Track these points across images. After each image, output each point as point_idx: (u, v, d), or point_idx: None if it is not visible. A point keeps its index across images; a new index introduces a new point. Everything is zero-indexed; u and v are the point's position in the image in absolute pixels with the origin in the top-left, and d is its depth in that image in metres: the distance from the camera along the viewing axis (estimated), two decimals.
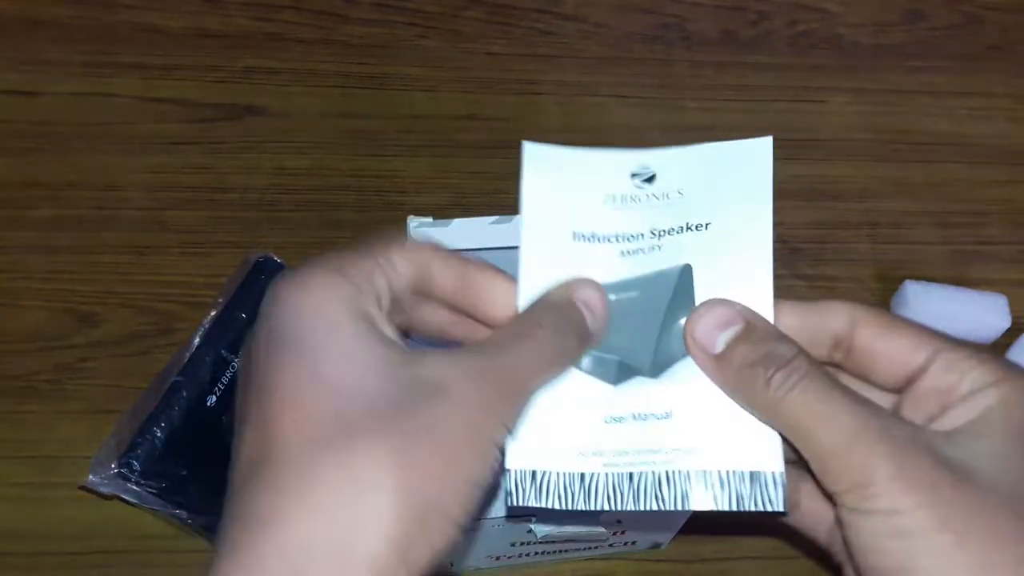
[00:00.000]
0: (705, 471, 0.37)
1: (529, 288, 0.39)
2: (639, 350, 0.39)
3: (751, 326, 0.38)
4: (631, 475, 0.38)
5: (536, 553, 0.65)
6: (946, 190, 0.87)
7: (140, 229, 0.79)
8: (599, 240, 0.40)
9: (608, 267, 0.40)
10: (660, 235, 0.40)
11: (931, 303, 0.77)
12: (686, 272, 0.39)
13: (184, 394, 0.66)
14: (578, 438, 0.39)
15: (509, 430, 0.35)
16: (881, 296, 0.81)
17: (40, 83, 0.86)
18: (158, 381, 0.69)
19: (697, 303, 0.39)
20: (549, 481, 0.38)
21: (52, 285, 0.76)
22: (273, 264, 0.73)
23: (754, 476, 0.37)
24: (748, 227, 0.39)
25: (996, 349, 0.77)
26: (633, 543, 0.66)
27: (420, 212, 0.54)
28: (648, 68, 0.92)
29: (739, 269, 0.39)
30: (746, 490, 0.37)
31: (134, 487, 0.64)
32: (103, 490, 0.65)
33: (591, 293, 0.39)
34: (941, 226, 0.85)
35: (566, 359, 0.39)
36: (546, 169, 0.40)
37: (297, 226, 0.80)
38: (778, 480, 0.37)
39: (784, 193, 0.85)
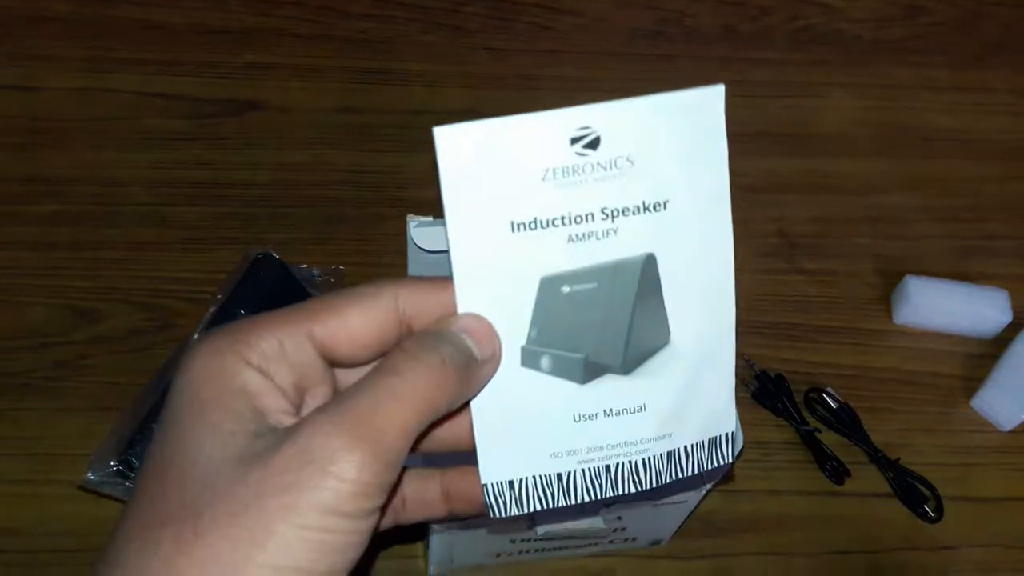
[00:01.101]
0: (675, 450, 0.39)
1: (469, 295, 0.36)
2: (607, 348, 0.38)
3: None
4: (608, 467, 0.39)
5: (537, 550, 0.64)
6: (947, 185, 0.87)
7: (140, 225, 0.79)
8: (543, 226, 0.35)
9: (556, 256, 0.36)
10: (614, 216, 0.36)
11: (932, 298, 0.77)
12: (650, 262, 0.37)
13: None
14: (549, 440, 0.38)
15: (378, 478, 0.32)
16: (882, 291, 0.80)
17: (41, 78, 0.86)
18: (158, 378, 0.69)
19: (664, 293, 0.37)
20: (527, 487, 0.38)
21: (52, 281, 0.76)
22: (273, 260, 0.72)
23: (712, 441, 0.40)
24: (707, 203, 0.36)
25: (998, 344, 0.77)
26: (634, 540, 0.66)
27: (420, 208, 0.53)
28: (648, 63, 0.92)
29: (701, 256, 0.37)
30: (704, 454, 0.40)
31: (133, 484, 0.64)
32: (102, 488, 0.65)
33: (469, 320, 0.36)
34: (942, 220, 0.85)
35: (450, 390, 0.35)
36: (468, 152, 0.35)
37: (297, 222, 0.80)
38: (731, 437, 0.40)
39: (785, 187, 0.86)
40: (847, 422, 0.73)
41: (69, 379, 0.72)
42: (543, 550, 0.65)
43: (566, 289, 0.36)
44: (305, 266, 0.75)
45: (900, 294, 0.78)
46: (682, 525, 0.65)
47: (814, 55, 0.94)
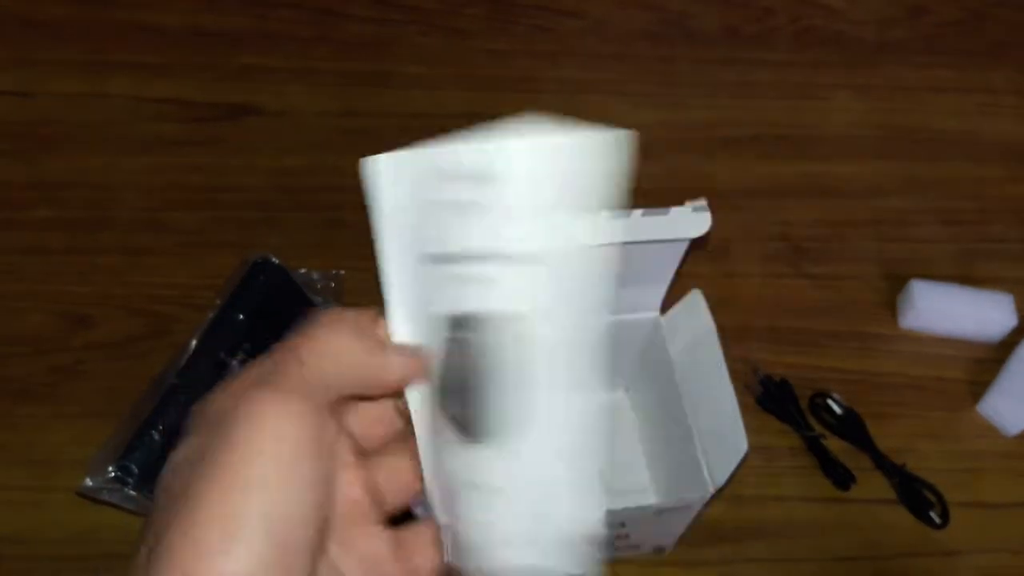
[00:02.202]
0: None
1: (397, 322, 0.36)
2: (467, 409, 0.35)
3: None
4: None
5: None
6: (952, 187, 0.87)
7: (136, 230, 0.78)
8: (447, 261, 0.34)
9: (452, 295, 0.34)
10: (505, 261, 0.33)
11: (938, 302, 0.76)
12: (526, 323, 0.34)
13: (182, 397, 0.66)
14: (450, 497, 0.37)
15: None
16: (887, 295, 0.80)
17: (36, 83, 0.85)
18: (156, 383, 0.68)
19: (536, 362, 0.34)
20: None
21: (47, 287, 0.75)
22: (271, 265, 0.72)
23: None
24: (591, 266, 0.34)
25: (1003, 348, 0.76)
26: (637, 547, 0.65)
27: None
28: (650, 65, 0.91)
29: (578, 322, 0.34)
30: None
31: (131, 491, 0.64)
32: (101, 495, 0.64)
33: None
34: (947, 224, 0.84)
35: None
36: (394, 182, 0.34)
37: (296, 226, 0.79)
38: None
39: (789, 190, 0.85)
40: (852, 427, 0.72)
41: (66, 385, 0.71)
42: None
43: (458, 334, 0.34)
44: (304, 271, 0.74)
45: (905, 298, 0.78)
46: (686, 532, 0.64)
47: (816, 56, 0.93)
